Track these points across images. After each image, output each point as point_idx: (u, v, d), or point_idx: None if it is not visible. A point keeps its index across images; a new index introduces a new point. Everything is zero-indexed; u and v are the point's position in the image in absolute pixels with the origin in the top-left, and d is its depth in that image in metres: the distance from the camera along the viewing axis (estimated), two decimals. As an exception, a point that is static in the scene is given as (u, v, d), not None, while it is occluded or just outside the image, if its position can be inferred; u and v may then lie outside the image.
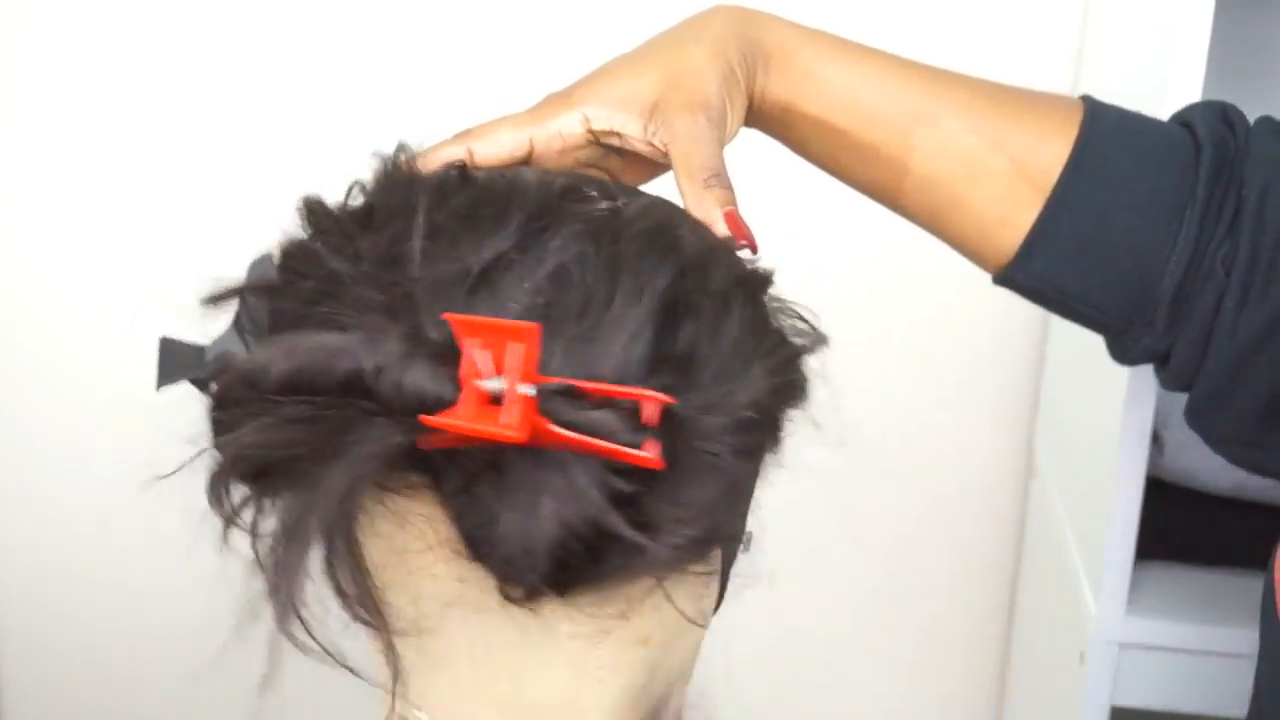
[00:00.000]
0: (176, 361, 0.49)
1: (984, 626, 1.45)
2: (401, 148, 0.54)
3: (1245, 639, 1.02)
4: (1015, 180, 0.64)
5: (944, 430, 1.38)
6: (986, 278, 1.40)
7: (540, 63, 1.30)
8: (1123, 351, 0.68)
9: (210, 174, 1.36)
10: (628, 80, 0.61)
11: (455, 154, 0.56)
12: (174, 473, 0.49)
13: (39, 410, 1.45)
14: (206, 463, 0.51)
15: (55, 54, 1.35)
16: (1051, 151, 0.64)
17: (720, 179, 0.57)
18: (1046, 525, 1.29)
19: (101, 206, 1.39)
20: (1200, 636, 1.04)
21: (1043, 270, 0.65)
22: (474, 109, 1.35)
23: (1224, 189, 0.63)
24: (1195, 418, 0.68)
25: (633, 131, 0.60)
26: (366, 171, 0.54)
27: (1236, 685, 1.00)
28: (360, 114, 1.32)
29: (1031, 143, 0.64)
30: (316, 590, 0.45)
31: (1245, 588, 1.09)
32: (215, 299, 0.50)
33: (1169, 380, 0.67)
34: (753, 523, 0.54)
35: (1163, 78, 0.96)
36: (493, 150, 0.58)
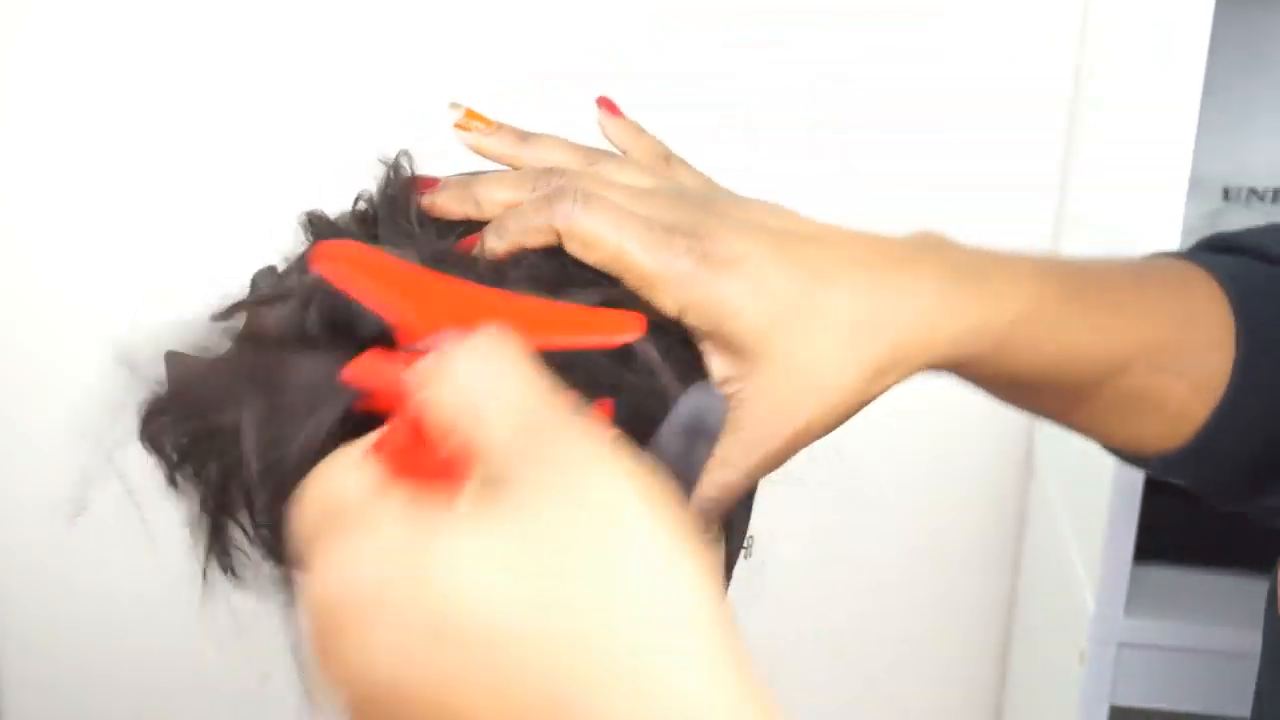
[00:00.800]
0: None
1: (984, 626, 1.45)
2: (403, 156, 0.53)
3: (1245, 639, 1.02)
4: (1190, 400, 0.59)
5: (944, 430, 1.38)
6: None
7: (538, 64, 1.30)
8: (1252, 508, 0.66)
9: (211, 174, 1.36)
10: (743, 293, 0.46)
11: (459, 208, 0.50)
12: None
13: (39, 410, 1.45)
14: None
15: (55, 54, 1.35)
16: (1218, 363, 0.59)
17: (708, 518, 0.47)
18: (1046, 525, 1.29)
19: (102, 207, 1.39)
20: (1200, 636, 1.04)
21: (1192, 472, 0.63)
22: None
23: None
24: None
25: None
26: (367, 173, 0.53)
27: (1236, 685, 1.00)
28: (361, 114, 1.32)
29: (1202, 359, 0.59)
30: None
31: (1245, 588, 1.09)
32: (222, 315, 0.50)
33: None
34: (753, 526, 0.54)
35: (1163, 78, 0.96)
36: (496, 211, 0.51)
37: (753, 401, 0.46)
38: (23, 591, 1.51)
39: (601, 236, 0.44)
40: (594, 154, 0.51)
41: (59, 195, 1.39)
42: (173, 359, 0.46)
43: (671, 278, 0.44)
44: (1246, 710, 0.72)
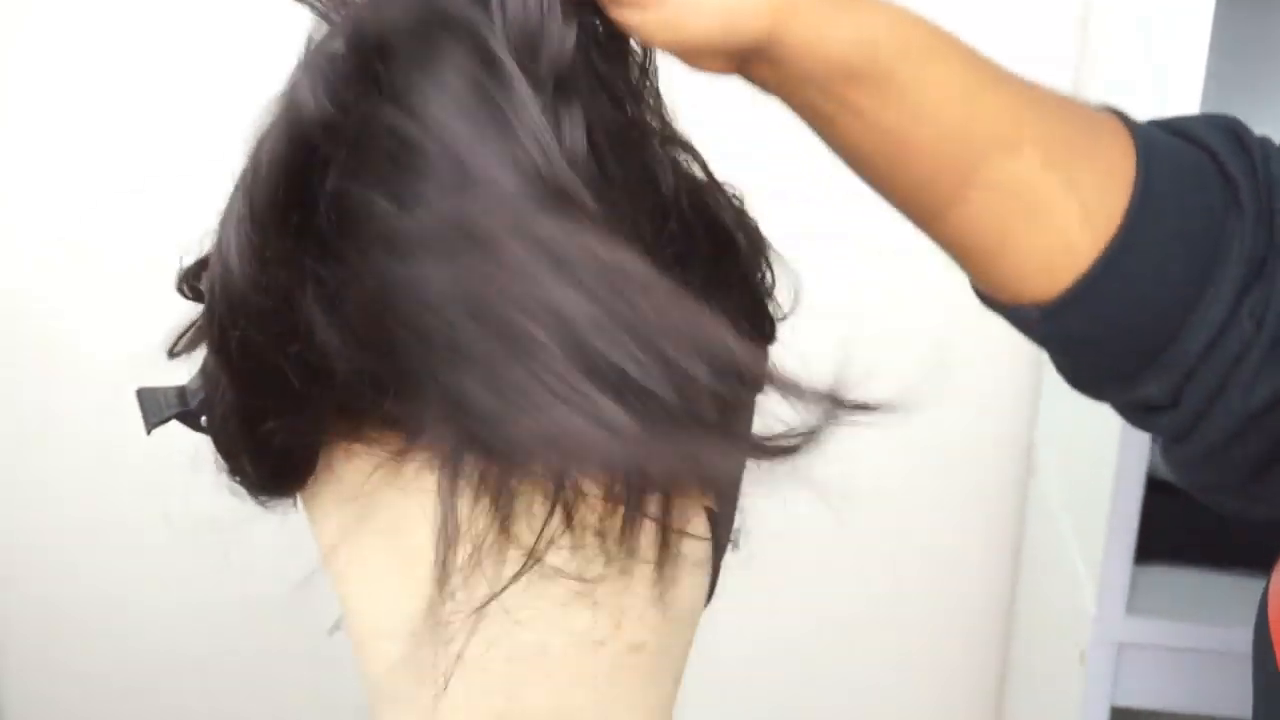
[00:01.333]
0: (158, 405, 0.49)
1: (984, 626, 1.45)
2: None
3: (1245, 639, 1.02)
4: (1079, 228, 0.57)
5: (944, 430, 1.38)
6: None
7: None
8: (1122, 399, 0.63)
9: (213, 175, 1.36)
10: None
11: None
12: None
13: (40, 410, 1.45)
14: (207, 463, 0.51)
15: (56, 55, 1.35)
16: (1114, 199, 0.58)
17: None
18: (1046, 525, 1.29)
19: (104, 207, 1.39)
20: (1200, 636, 1.04)
21: (1075, 325, 0.59)
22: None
23: (1263, 234, 0.59)
24: (1180, 466, 0.63)
25: None
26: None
27: (1236, 685, 1.00)
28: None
29: (1100, 184, 0.58)
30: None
31: (1245, 588, 1.09)
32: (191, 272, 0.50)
33: (1165, 428, 0.62)
34: (742, 519, 0.54)
35: (1163, 78, 0.96)
36: None
37: None
38: (23, 591, 1.51)
39: None
40: None
41: (61, 195, 1.39)
42: None
43: None
44: (1246, 710, 0.72)
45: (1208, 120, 0.63)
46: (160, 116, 1.36)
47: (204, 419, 0.48)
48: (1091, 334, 0.60)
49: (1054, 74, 1.27)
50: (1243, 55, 1.22)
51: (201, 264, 0.50)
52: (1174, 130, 0.63)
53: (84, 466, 1.45)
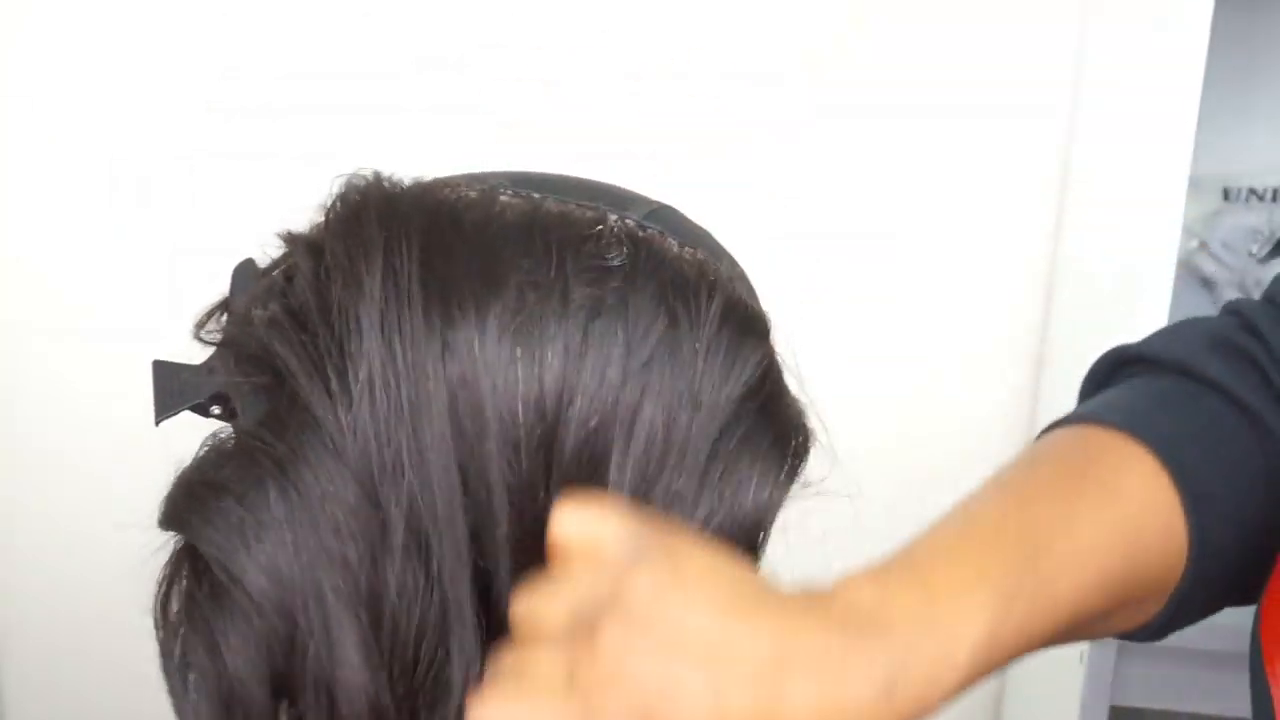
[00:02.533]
0: (173, 387, 0.49)
1: (984, 626, 1.45)
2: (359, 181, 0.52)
3: (1245, 639, 1.02)
4: (1157, 589, 0.61)
5: (944, 430, 1.38)
6: (986, 278, 1.40)
7: (536, 69, 1.30)
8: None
9: (217, 176, 1.36)
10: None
11: None
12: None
13: (40, 411, 1.46)
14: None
15: (58, 55, 1.35)
16: (1175, 545, 0.59)
17: None
18: (1046, 525, 1.29)
19: (105, 207, 1.39)
20: (1199, 636, 1.03)
21: (1191, 614, 0.64)
22: (471, 113, 1.35)
23: None
24: None
25: None
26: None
27: (1235, 685, 1.00)
28: (363, 114, 1.32)
29: (1160, 554, 0.59)
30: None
31: (1245, 588, 1.09)
32: (203, 322, 0.51)
33: None
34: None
35: (1163, 78, 0.96)
36: None
37: None
38: (24, 592, 1.51)
39: None
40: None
41: (60, 195, 1.39)
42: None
43: None
44: (1245, 710, 0.72)
45: (1208, 340, 0.63)
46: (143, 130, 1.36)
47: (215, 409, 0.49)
48: (1213, 605, 0.64)
49: (1054, 74, 1.28)
50: (1243, 55, 1.22)
51: (212, 311, 0.51)
52: (1180, 369, 0.62)
53: (88, 466, 1.45)
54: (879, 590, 0.48)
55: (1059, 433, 0.61)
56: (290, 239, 0.51)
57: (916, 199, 1.30)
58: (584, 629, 0.42)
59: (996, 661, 0.49)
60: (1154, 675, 1.05)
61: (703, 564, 0.45)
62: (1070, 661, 1.07)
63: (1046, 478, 0.57)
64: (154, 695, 1.45)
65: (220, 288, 0.53)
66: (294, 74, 1.33)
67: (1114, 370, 0.66)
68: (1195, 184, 1.19)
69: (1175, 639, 1.04)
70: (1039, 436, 0.63)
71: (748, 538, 0.52)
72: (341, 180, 0.52)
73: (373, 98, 1.32)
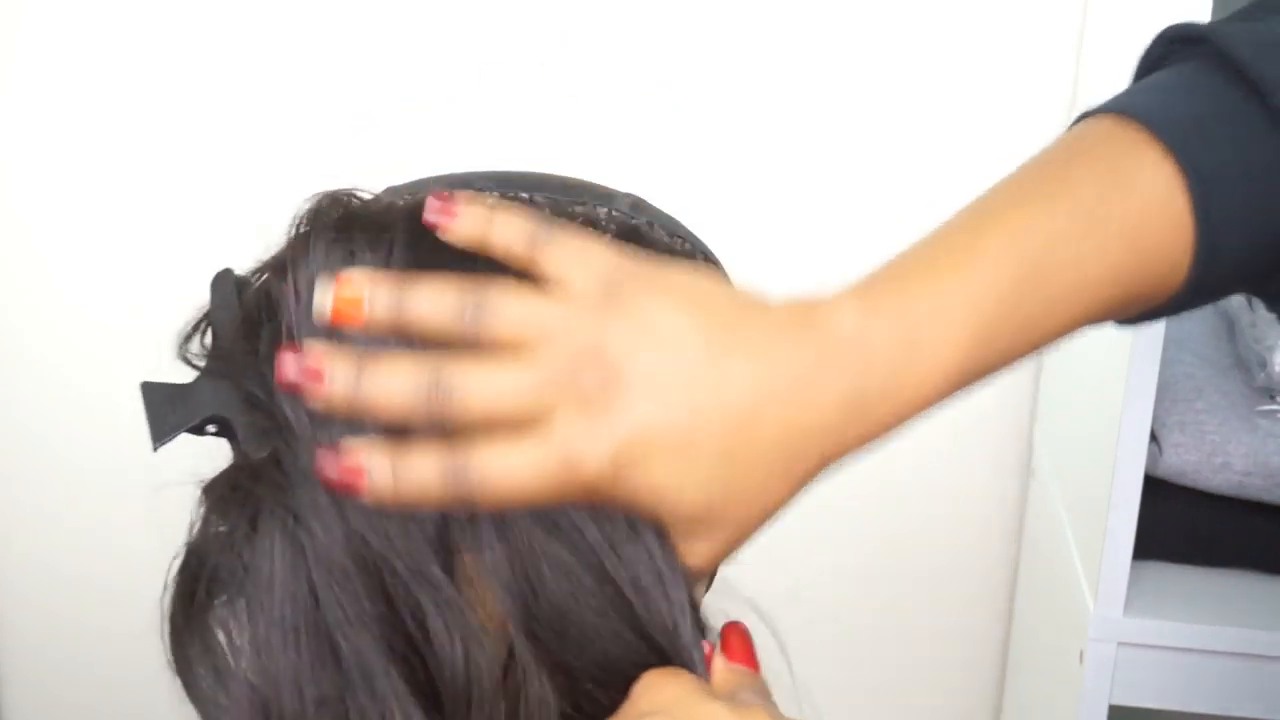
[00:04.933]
0: (165, 410, 0.49)
1: (984, 626, 1.45)
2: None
3: (1244, 639, 1.03)
4: (1166, 278, 0.57)
5: (944, 430, 1.38)
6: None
7: (535, 66, 1.30)
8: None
9: (218, 175, 1.36)
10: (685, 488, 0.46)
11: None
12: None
13: (43, 411, 1.46)
14: (209, 461, 0.51)
15: (61, 57, 1.35)
16: (1182, 240, 0.56)
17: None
18: (1046, 525, 1.29)
19: (107, 207, 1.39)
20: (1199, 636, 1.04)
21: (1209, 293, 0.59)
22: (470, 114, 1.35)
23: None
24: None
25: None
26: (365, 173, 0.54)
27: (1235, 684, 1.01)
28: (363, 114, 1.32)
29: (1165, 246, 0.56)
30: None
31: (1244, 588, 1.09)
32: (186, 337, 0.51)
33: None
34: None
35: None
36: None
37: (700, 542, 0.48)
38: (24, 592, 1.51)
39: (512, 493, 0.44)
40: (475, 300, 0.46)
41: (60, 195, 1.39)
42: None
43: (591, 480, 0.44)
44: (1245, 710, 0.73)
45: (1176, 41, 0.61)
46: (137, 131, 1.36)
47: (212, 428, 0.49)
48: (1207, 299, 0.60)
49: (1054, 74, 1.28)
50: (1242, 55, 1.22)
51: (194, 328, 0.51)
52: (1206, 40, 0.59)
53: (89, 467, 1.45)
54: (862, 314, 0.49)
55: (1097, 128, 0.59)
56: (272, 263, 0.51)
57: (916, 199, 1.30)
58: (555, 370, 0.44)
59: (971, 381, 0.52)
60: (1152, 674, 1.05)
61: (687, 286, 0.47)
62: (1070, 661, 1.07)
63: (1064, 185, 0.56)
64: (154, 694, 1.45)
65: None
66: (295, 74, 1.33)
67: (1179, 46, 0.62)
68: (1195, 184, 1.18)
69: (1175, 639, 1.04)
70: (1074, 122, 0.61)
71: None
72: (317, 197, 0.52)
73: (372, 97, 1.33)
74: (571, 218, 0.51)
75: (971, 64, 1.29)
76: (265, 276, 0.51)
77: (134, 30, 1.34)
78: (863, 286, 0.51)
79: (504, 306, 0.45)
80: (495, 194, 0.51)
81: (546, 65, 1.30)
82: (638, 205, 0.53)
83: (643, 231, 0.52)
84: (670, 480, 0.45)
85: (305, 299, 0.47)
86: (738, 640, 0.50)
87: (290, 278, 0.49)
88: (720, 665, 0.49)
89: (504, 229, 0.46)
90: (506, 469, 0.44)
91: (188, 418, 0.48)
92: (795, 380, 0.46)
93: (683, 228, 0.55)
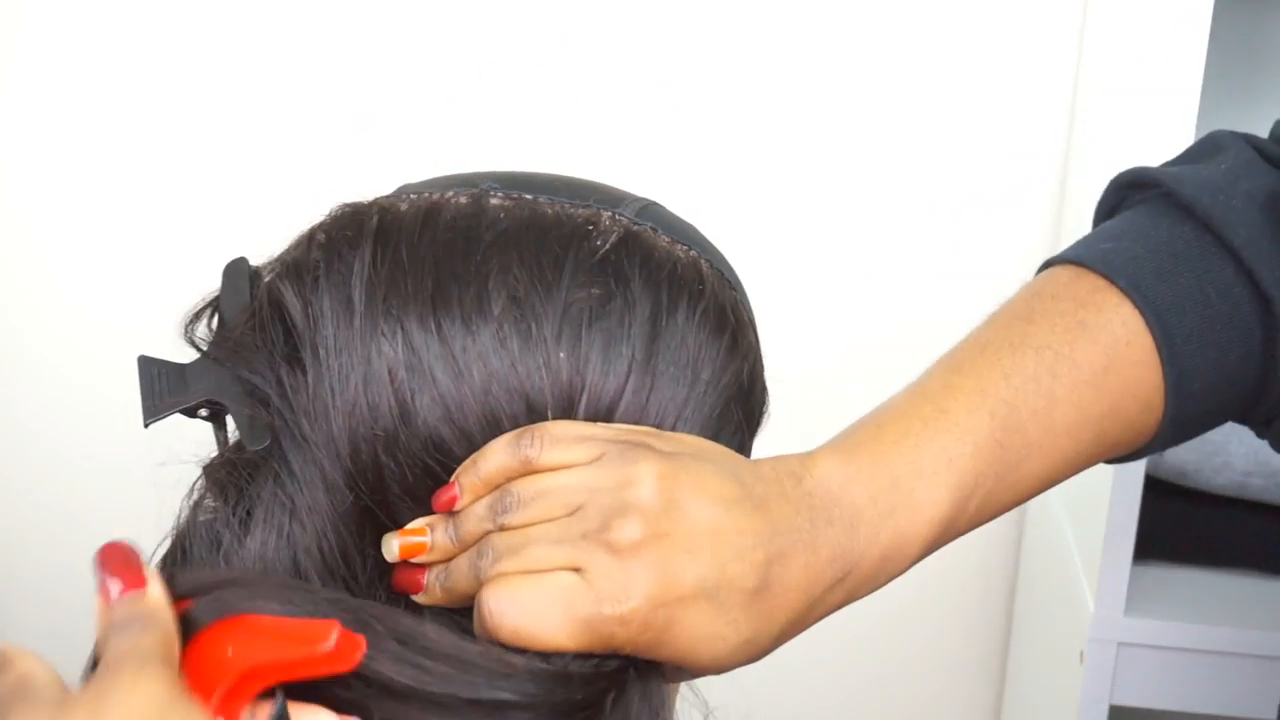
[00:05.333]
0: (159, 386, 0.49)
1: (984, 626, 1.45)
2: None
3: (1244, 639, 1.03)
4: (1141, 421, 0.60)
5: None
6: (986, 278, 1.40)
7: (535, 66, 1.30)
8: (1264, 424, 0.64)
9: (218, 175, 1.36)
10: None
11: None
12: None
13: (43, 412, 1.46)
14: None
15: (61, 57, 1.35)
16: (1153, 377, 0.59)
17: None
18: (1046, 525, 1.29)
19: (110, 207, 1.39)
20: (1199, 636, 1.04)
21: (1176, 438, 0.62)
22: (471, 114, 1.36)
23: None
24: None
25: None
26: (367, 171, 0.54)
27: (1235, 684, 1.01)
28: (363, 114, 1.32)
29: (1138, 390, 0.59)
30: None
31: (1244, 588, 1.09)
32: (193, 318, 0.51)
33: None
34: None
35: (1163, 78, 0.96)
36: None
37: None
38: (23, 590, 1.51)
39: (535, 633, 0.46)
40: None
41: (62, 195, 1.39)
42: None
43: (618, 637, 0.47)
44: (1245, 710, 0.73)
45: (1248, 192, 0.62)
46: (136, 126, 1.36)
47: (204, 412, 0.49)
48: (1193, 431, 0.63)
49: (1054, 74, 1.28)
50: (1242, 55, 1.22)
51: (200, 311, 0.52)
52: (1205, 221, 0.61)
53: (91, 467, 1.45)
54: (845, 476, 0.52)
55: (1058, 279, 0.61)
56: (289, 265, 0.51)
57: (916, 199, 1.31)
58: (591, 522, 0.46)
59: (955, 535, 0.55)
60: (1153, 674, 1.05)
61: (694, 452, 0.49)
62: (1070, 661, 1.07)
63: (1028, 338, 0.58)
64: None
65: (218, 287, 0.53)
66: (296, 73, 1.33)
67: (1131, 191, 0.65)
68: (1195, 184, 1.18)
69: (1175, 639, 1.04)
70: (1039, 271, 0.63)
71: None
72: (338, 211, 0.52)
73: (373, 97, 1.33)
74: (574, 219, 0.51)
75: (971, 64, 1.29)
76: (278, 275, 0.51)
77: (134, 30, 1.34)
78: (846, 447, 0.53)
79: (528, 490, 0.47)
80: (500, 194, 0.51)
81: (546, 65, 1.30)
82: (647, 210, 0.53)
83: (645, 237, 0.51)
84: (702, 628, 0.47)
85: (316, 312, 0.48)
86: (110, 556, 0.46)
87: (303, 294, 0.49)
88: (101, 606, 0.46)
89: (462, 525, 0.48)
90: (540, 610, 0.46)
91: (185, 398, 0.49)
92: (795, 537, 0.50)
93: (695, 233, 0.55)
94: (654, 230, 0.52)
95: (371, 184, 0.55)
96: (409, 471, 0.48)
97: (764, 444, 0.56)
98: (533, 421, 0.48)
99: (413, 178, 0.55)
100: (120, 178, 1.38)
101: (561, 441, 0.47)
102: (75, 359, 1.43)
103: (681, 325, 0.50)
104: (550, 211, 0.51)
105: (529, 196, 0.51)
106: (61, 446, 1.46)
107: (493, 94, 1.30)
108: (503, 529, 0.47)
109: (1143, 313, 0.58)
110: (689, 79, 1.30)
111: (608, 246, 0.50)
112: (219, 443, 0.50)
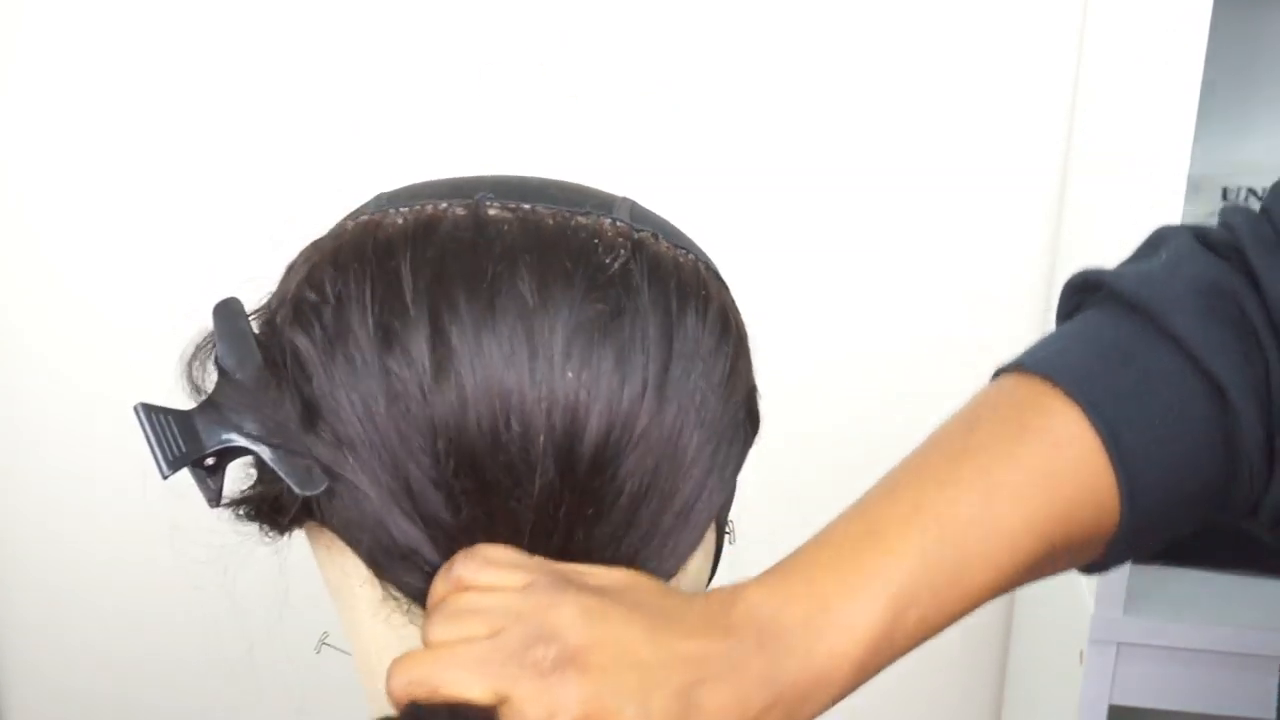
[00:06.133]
0: (168, 435, 0.48)
1: (984, 626, 1.45)
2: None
3: (1243, 639, 1.03)
4: (1095, 531, 0.58)
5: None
6: (986, 278, 1.40)
7: (535, 66, 1.30)
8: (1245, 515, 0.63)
9: (218, 174, 1.36)
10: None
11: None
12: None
13: (45, 412, 1.46)
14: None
15: (61, 57, 1.35)
16: (1106, 488, 0.57)
17: None
18: (1046, 525, 1.29)
19: (113, 208, 1.39)
20: (1198, 636, 1.04)
21: (1143, 546, 0.60)
22: (470, 114, 1.36)
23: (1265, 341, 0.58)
24: None
25: None
26: (366, 171, 0.54)
27: (1234, 684, 1.01)
28: (363, 113, 1.32)
29: (1089, 501, 0.57)
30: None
31: (1244, 588, 1.09)
32: (191, 359, 0.51)
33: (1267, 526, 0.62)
34: (738, 515, 0.55)
35: (1161, 78, 0.96)
36: None
37: None
38: (23, 591, 1.51)
39: None
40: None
41: (63, 196, 1.39)
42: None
43: None
44: (1245, 709, 0.73)
45: (1189, 283, 0.60)
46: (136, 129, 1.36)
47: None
48: (1160, 531, 0.61)
49: (1053, 76, 1.28)
50: (1241, 56, 1.22)
51: (197, 350, 0.51)
52: (1147, 314, 0.60)
53: (91, 468, 1.45)
54: (776, 601, 0.51)
55: (1003, 386, 0.61)
56: (289, 305, 0.50)
57: (916, 198, 1.31)
58: (512, 646, 0.46)
59: (898, 651, 0.54)
60: (1154, 675, 1.05)
61: (622, 587, 0.48)
62: (1070, 661, 1.07)
63: (968, 447, 0.57)
64: (153, 693, 1.45)
65: (223, 287, 0.53)
66: (296, 73, 1.33)
67: (1084, 294, 0.64)
68: (1194, 184, 1.18)
69: (1175, 639, 1.04)
70: (993, 378, 0.63)
71: (720, 517, 0.55)
72: (328, 230, 0.52)
73: (373, 97, 1.33)
74: (577, 230, 0.50)
75: (971, 64, 1.29)
76: (282, 318, 0.50)
77: (135, 29, 1.34)
78: (779, 573, 0.53)
79: (451, 607, 0.48)
80: (496, 204, 0.50)
81: (546, 65, 1.30)
82: (636, 211, 0.52)
83: (648, 245, 0.51)
84: None
85: (324, 349, 0.48)
86: None
87: (310, 332, 0.49)
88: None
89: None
90: None
91: (200, 448, 0.48)
92: (723, 663, 0.49)
93: (678, 230, 0.54)
94: (654, 237, 0.51)
95: (371, 183, 0.55)
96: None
97: (763, 445, 0.56)
98: (539, 440, 0.48)
99: (413, 176, 0.54)
100: (120, 177, 1.38)
101: (493, 565, 0.48)
102: (75, 358, 1.43)
103: (691, 332, 0.50)
104: (552, 222, 0.50)
105: (526, 206, 0.50)
106: (61, 446, 1.46)
107: (493, 94, 1.30)
108: (426, 644, 0.47)
109: (1086, 411, 0.57)
110: (689, 79, 1.30)
111: (615, 259, 0.49)
112: (209, 489, 0.49)
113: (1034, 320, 1.32)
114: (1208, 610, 1.05)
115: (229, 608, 1.39)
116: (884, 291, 1.34)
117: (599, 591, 0.48)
